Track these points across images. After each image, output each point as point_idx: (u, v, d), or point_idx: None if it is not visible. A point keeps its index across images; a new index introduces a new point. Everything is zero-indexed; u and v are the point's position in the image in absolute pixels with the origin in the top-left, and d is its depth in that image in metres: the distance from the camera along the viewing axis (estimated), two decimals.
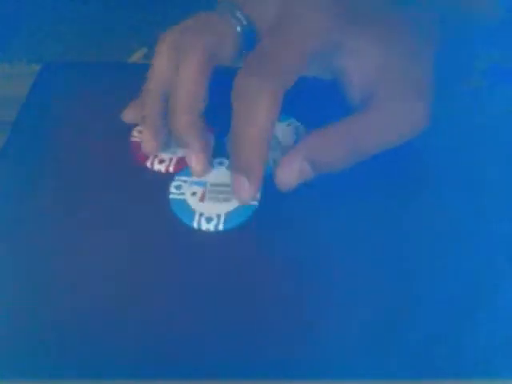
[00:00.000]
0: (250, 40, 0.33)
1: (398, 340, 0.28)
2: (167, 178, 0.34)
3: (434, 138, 0.36)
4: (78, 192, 0.34)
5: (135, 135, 0.36)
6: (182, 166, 0.34)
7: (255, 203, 0.32)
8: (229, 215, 0.31)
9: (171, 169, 0.34)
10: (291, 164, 0.30)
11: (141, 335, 0.28)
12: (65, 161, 0.36)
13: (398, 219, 0.33)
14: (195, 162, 0.33)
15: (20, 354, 0.28)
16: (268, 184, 0.31)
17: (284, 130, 0.35)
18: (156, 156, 0.35)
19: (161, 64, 0.33)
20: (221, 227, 0.31)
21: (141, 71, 0.35)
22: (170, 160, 0.34)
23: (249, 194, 0.30)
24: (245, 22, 0.33)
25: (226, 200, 0.32)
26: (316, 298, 0.29)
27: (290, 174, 0.31)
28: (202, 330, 0.28)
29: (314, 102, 0.36)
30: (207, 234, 0.31)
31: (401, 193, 0.34)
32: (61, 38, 0.35)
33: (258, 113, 0.29)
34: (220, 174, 0.33)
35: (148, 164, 0.34)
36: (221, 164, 0.34)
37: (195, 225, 0.31)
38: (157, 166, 0.34)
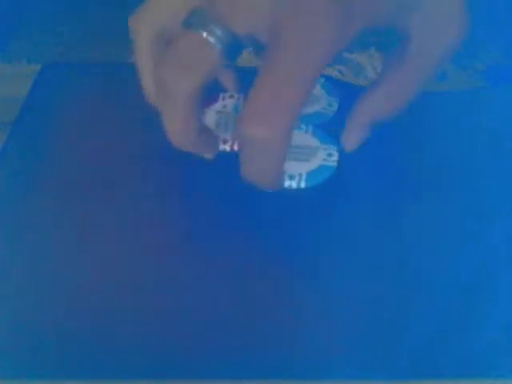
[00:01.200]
0: (232, 49, 0.30)
1: (398, 340, 0.28)
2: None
3: (434, 138, 0.36)
4: (78, 191, 0.34)
5: None
6: None
7: (334, 164, 0.33)
8: (310, 174, 0.33)
9: (236, 147, 0.34)
10: (358, 131, 0.32)
11: (141, 335, 0.28)
12: (65, 161, 0.36)
13: (399, 219, 0.33)
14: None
15: (20, 354, 0.28)
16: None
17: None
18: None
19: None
20: (303, 185, 0.32)
21: None
22: (233, 139, 0.35)
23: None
24: (224, 38, 0.29)
25: (307, 160, 0.33)
26: (315, 298, 0.29)
27: (356, 141, 0.33)
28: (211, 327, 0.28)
29: None
30: (289, 191, 0.32)
31: (400, 192, 0.34)
32: (61, 38, 0.35)
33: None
34: (300, 137, 0.34)
35: None
36: (300, 129, 0.35)
37: None
38: (222, 146, 0.35)
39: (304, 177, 0.33)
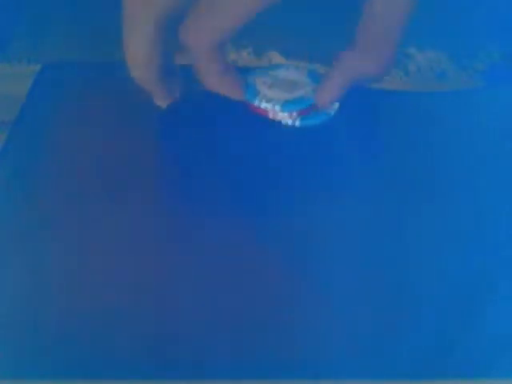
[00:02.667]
0: None
1: (398, 340, 0.28)
2: None
3: (433, 138, 0.36)
4: (78, 191, 0.34)
5: None
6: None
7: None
8: (287, 102, 0.34)
9: (295, 114, 0.34)
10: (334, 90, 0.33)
11: (141, 335, 0.28)
12: (65, 161, 0.36)
13: (400, 219, 0.33)
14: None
15: (20, 354, 0.28)
16: None
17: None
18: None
19: None
20: (277, 108, 0.33)
21: None
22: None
23: None
24: None
25: (289, 92, 0.34)
26: (315, 297, 0.29)
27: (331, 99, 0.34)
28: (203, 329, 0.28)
29: None
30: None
31: (400, 192, 0.34)
32: (61, 38, 0.35)
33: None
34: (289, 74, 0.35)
35: (270, 115, 0.34)
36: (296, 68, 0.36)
37: (256, 102, 0.34)
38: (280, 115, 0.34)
39: (281, 102, 0.34)
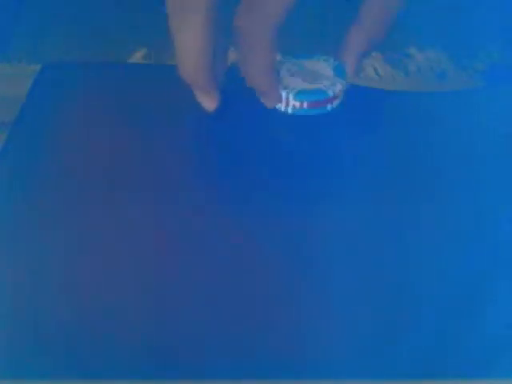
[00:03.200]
0: None
1: (398, 340, 0.28)
2: None
3: (433, 138, 0.36)
4: (78, 192, 0.34)
5: None
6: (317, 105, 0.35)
7: (331, 93, 0.34)
8: (302, 91, 0.34)
9: (305, 105, 0.34)
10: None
11: (141, 334, 0.28)
12: (65, 161, 0.36)
13: (400, 219, 0.33)
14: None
15: (20, 354, 0.28)
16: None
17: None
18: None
19: None
20: (291, 96, 0.34)
21: (141, 71, 0.35)
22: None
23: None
24: None
25: (308, 82, 0.34)
26: (315, 297, 0.29)
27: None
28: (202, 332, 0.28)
29: None
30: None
31: (401, 192, 0.34)
32: (61, 37, 0.35)
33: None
34: (315, 65, 0.36)
35: (284, 103, 0.34)
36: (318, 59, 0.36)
37: None
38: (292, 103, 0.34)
39: (296, 90, 0.34)
